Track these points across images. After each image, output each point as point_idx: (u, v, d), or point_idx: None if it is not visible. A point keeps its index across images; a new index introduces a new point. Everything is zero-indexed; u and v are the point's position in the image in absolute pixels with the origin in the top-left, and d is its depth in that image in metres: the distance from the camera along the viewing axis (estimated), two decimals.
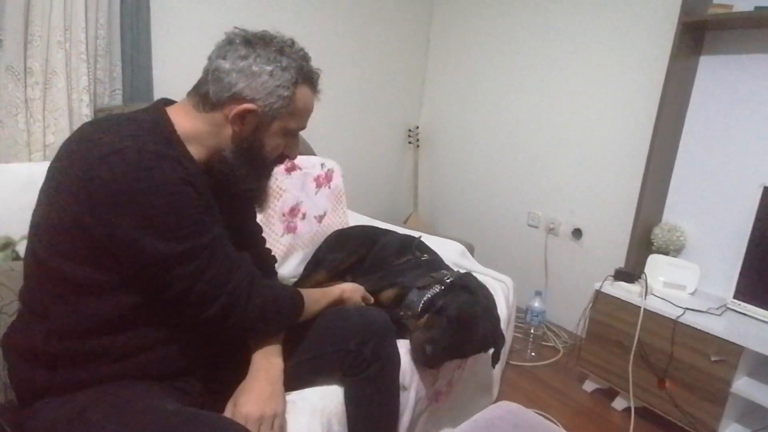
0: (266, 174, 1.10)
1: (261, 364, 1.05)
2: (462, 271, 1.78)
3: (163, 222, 0.85)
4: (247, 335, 1.07)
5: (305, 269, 1.96)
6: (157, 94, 2.07)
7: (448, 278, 1.52)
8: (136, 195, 0.82)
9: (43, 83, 1.70)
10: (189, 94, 1.01)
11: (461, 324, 1.36)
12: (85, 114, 1.78)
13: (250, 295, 0.97)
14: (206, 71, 0.98)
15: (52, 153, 1.73)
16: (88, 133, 0.89)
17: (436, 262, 1.75)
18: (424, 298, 1.48)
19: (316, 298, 1.20)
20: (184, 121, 0.97)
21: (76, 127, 1.78)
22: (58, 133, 1.74)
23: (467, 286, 1.47)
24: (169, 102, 1.03)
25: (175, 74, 2.13)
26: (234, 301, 0.94)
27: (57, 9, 1.66)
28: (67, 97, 1.74)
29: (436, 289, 1.49)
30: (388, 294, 1.56)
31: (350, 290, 1.33)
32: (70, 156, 0.87)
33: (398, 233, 1.96)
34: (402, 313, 1.50)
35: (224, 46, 0.98)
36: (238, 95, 0.95)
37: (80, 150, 0.86)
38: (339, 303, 1.28)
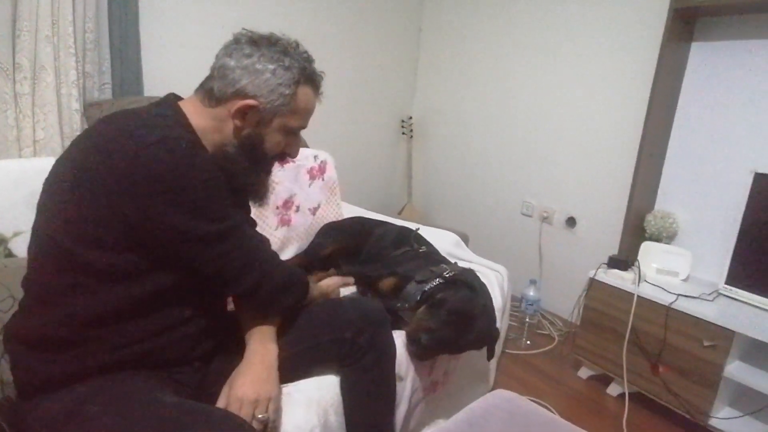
0: (266, 170, 1.13)
1: (257, 348, 1.07)
2: (457, 261, 1.79)
3: (204, 205, 0.91)
4: (270, 308, 1.11)
5: None
6: (147, 87, 2.05)
7: (447, 273, 1.52)
8: (180, 181, 0.87)
9: (31, 78, 1.69)
10: (197, 90, 1.04)
11: (459, 318, 1.37)
12: (74, 109, 1.77)
13: (276, 268, 1.06)
14: (213, 68, 1.02)
15: (41, 149, 1.72)
16: (114, 127, 0.91)
17: (434, 255, 1.75)
18: (422, 291, 1.48)
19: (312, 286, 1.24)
20: (194, 116, 1.01)
21: (65, 122, 1.77)
22: (48, 129, 1.73)
23: (468, 282, 1.47)
24: (178, 97, 1.06)
25: (164, 67, 2.12)
26: (265, 274, 1.02)
27: (44, 3, 1.65)
28: (55, 92, 1.73)
29: (435, 282, 1.49)
30: (387, 282, 1.57)
31: (333, 292, 1.38)
32: (104, 147, 0.88)
33: (395, 225, 1.96)
34: (399, 304, 1.50)
35: (231, 44, 1.02)
36: (241, 91, 0.99)
37: (115, 141, 0.88)
38: (322, 297, 1.33)
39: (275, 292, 1.06)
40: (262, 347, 1.07)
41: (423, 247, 1.78)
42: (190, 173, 0.88)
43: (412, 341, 1.38)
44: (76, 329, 0.91)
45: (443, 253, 1.84)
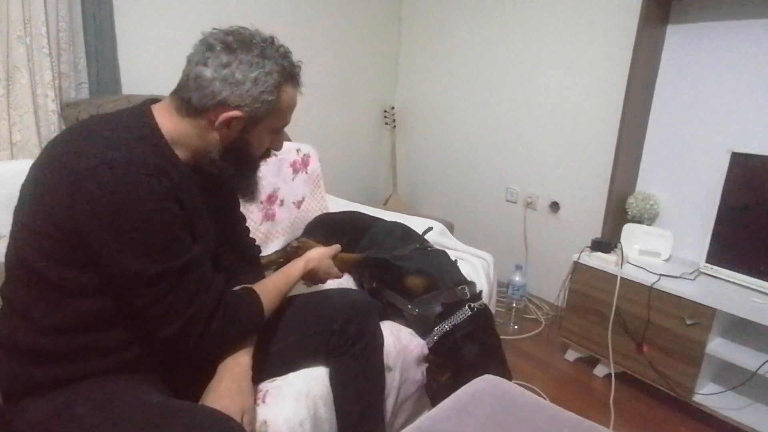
0: (254, 170, 1.13)
1: (228, 363, 1.04)
2: (445, 250, 1.79)
3: (139, 241, 0.86)
4: (200, 358, 1.02)
5: None
6: (125, 85, 2.02)
7: (471, 305, 1.51)
8: (119, 211, 0.83)
9: (5, 80, 1.65)
10: (171, 96, 1.00)
11: (477, 373, 1.39)
12: (51, 110, 1.74)
13: (210, 321, 0.95)
14: (186, 76, 0.96)
15: (19, 152, 1.70)
16: (75, 139, 0.89)
17: (449, 261, 1.72)
18: (442, 313, 1.49)
19: (277, 288, 1.16)
20: (169, 123, 0.97)
21: (42, 123, 1.74)
22: (24, 131, 1.70)
23: (492, 327, 1.50)
24: (155, 100, 1.02)
25: (142, 64, 2.08)
26: (190, 327, 0.93)
27: (14, 3, 1.61)
28: (31, 93, 1.69)
29: (459, 318, 1.49)
30: (416, 281, 1.55)
31: (317, 259, 1.28)
32: (59, 162, 0.86)
33: (396, 221, 1.95)
34: (410, 306, 1.51)
35: (204, 51, 0.95)
36: (222, 102, 0.95)
37: (68, 157, 0.86)
38: (309, 275, 1.27)
39: (205, 344, 0.96)
40: (232, 360, 1.04)
41: (430, 247, 1.78)
42: (130, 202, 0.83)
43: (429, 393, 1.48)
44: (50, 339, 0.90)
45: (430, 242, 1.85)
